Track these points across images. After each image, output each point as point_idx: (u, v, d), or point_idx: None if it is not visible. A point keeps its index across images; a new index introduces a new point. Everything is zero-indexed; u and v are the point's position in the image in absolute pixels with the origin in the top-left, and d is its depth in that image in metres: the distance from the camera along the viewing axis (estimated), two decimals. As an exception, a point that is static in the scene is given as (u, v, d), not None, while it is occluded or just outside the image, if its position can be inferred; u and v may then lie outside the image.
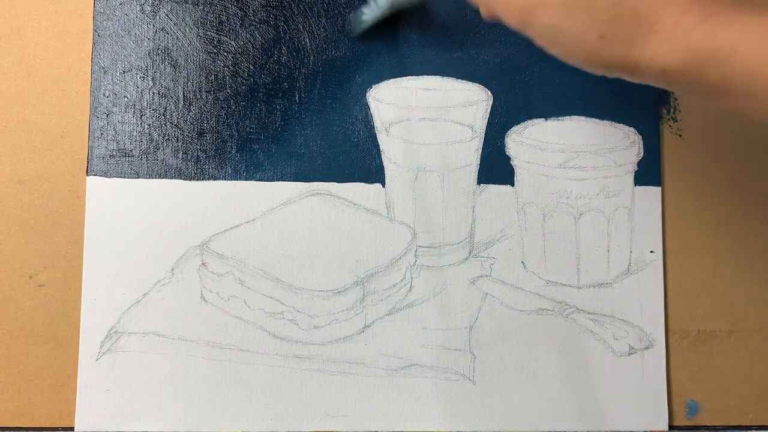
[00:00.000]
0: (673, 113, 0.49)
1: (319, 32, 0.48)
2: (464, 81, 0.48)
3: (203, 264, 0.46)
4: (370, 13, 0.46)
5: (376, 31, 0.47)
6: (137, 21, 0.47)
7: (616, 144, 0.48)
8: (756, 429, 0.47)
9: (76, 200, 0.46)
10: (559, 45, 0.33)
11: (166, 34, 0.47)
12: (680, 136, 0.49)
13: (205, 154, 0.47)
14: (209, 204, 0.47)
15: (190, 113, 0.47)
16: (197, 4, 0.48)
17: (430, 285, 0.47)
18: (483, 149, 0.48)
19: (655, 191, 0.48)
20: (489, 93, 0.48)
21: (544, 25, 0.32)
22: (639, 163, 0.48)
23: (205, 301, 0.46)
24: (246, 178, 0.47)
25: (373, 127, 0.48)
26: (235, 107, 0.47)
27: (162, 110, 0.47)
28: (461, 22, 0.48)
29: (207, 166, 0.47)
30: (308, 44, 0.48)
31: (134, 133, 0.47)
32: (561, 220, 0.48)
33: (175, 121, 0.47)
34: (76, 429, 0.45)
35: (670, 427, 0.47)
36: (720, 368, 0.48)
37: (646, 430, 0.46)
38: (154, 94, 0.47)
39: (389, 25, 0.48)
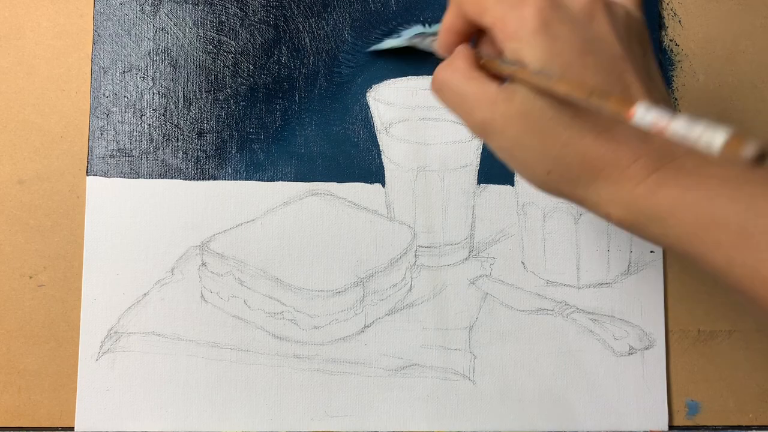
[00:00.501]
0: (673, 113, 0.49)
1: (319, 32, 0.48)
2: (464, 81, 0.48)
3: (203, 264, 0.46)
4: (389, 42, 0.47)
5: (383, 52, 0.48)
6: (137, 21, 0.47)
7: (616, 144, 0.48)
8: (756, 429, 0.47)
9: (76, 200, 0.46)
10: (509, 163, 0.33)
11: (166, 34, 0.47)
12: (680, 136, 0.49)
13: (205, 154, 0.47)
14: (209, 204, 0.47)
15: (190, 113, 0.47)
16: (197, 4, 0.48)
17: (430, 285, 0.47)
18: (483, 149, 0.48)
19: (655, 191, 0.48)
20: (489, 93, 0.48)
21: (500, 146, 0.32)
22: (639, 163, 0.48)
23: (205, 301, 0.46)
24: (246, 178, 0.47)
25: (373, 127, 0.48)
26: (235, 107, 0.47)
27: (162, 110, 0.47)
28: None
29: (207, 166, 0.47)
30: (308, 44, 0.48)
31: (134, 133, 0.47)
32: (561, 220, 0.48)
33: (175, 121, 0.47)
34: (76, 429, 0.45)
35: (670, 427, 0.47)
36: (720, 368, 0.48)
37: (646, 430, 0.46)
38: (154, 94, 0.47)
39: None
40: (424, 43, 0.45)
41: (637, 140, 0.30)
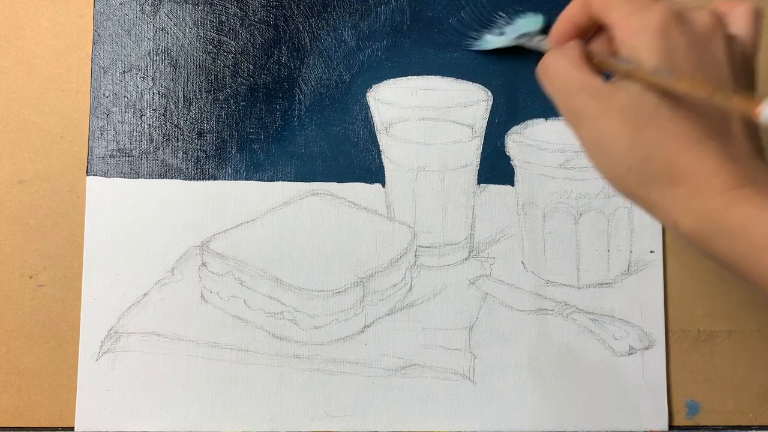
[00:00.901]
0: (673, 113, 0.49)
1: (319, 32, 0.48)
2: (464, 81, 0.48)
3: (203, 264, 0.46)
4: (493, 41, 0.47)
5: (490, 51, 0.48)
6: (137, 21, 0.47)
7: (616, 144, 0.48)
8: (756, 429, 0.47)
9: (76, 200, 0.46)
10: (592, 155, 0.34)
11: (166, 34, 0.47)
12: (680, 136, 0.49)
13: (205, 154, 0.47)
14: (209, 204, 0.47)
15: (190, 113, 0.47)
16: (197, 4, 0.48)
17: (430, 285, 0.47)
18: (483, 149, 0.48)
19: (655, 191, 0.48)
20: (489, 93, 0.48)
21: (589, 136, 0.33)
22: (639, 163, 0.48)
23: (205, 301, 0.46)
24: (246, 178, 0.47)
25: (373, 127, 0.48)
26: (235, 107, 0.47)
27: (162, 110, 0.47)
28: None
29: (207, 166, 0.47)
30: (308, 44, 0.48)
31: (134, 133, 0.47)
32: (561, 220, 0.48)
33: (175, 121, 0.47)
34: (76, 429, 0.45)
35: (670, 427, 0.47)
36: (720, 368, 0.48)
37: (646, 430, 0.46)
38: (154, 94, 0.47)
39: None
40: (533, 42, 0.45)
41: (725, 158, 0.31)
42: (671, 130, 0.31)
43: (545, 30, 0.45)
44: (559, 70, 0.34)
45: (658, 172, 0.31)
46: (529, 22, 0.47)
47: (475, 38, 0.48)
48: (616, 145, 0.32)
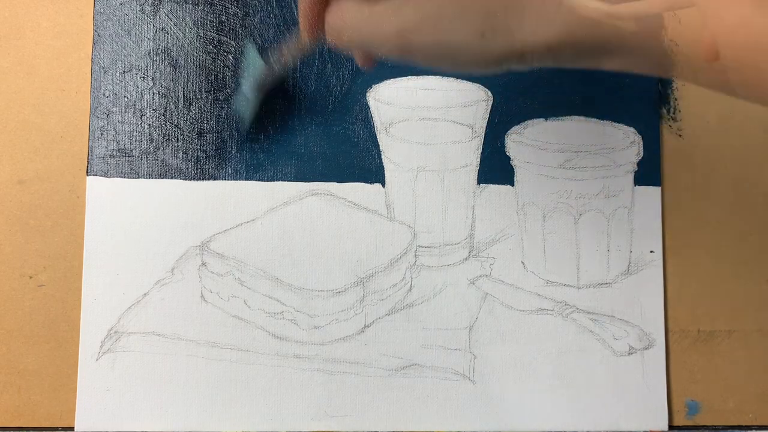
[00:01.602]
0: (673, 113, 0.49)
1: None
2: (464, 81, 0.48)
3: (203, 264, 0.46)
4: (244, 106, 0.46)
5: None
6: (137, 21, 0.47)
7: (616, 144, 0.48)
8: (756, 429, 0.47)
9: (76, 200, 0.46)
10: (445, 58, 0.33)
11: (166, 34, 0.47)
12: (680, 136, 0.49)
13: (205, 154, 0.47)
14: (209, 204, 0.47)
15: (190, 113, 0.47)
16: (197, 4, 0.48)
17: (430, 285, 0.47)
18: (483, 149, 0.48)
19: (654, 191, 0.48)
20: (489, 93, 0.48)
21: (425, 44, 0.32)
22: (639, 163, 0.48)
23: (205, 301, 0.46)
24: (246, 178, 0.47)
25: (373, 127, 0.48)
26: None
27: (162, 110, 0.47)
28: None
29: (207, 166, 0.47)
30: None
31: (134, 133, 0.47)
32: (561, 220, 0.48)
33: (175, 121, 0.47)
34: (76, 429, 0.45)
35: (670, 427, 0.47)
36: (720, 368, 0.48)
37: (646, 430, 0.46)
38: (154, 94, 0.47)
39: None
40: (283, 58, 0.42)
41: None
42: None
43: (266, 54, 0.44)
44: (351, 18, 0.33)
45: (505, 17, 0.31)
46: (250, 62, 0.45)
47: (241, 117, 0.47)
48: (456, 26, 0.31)
